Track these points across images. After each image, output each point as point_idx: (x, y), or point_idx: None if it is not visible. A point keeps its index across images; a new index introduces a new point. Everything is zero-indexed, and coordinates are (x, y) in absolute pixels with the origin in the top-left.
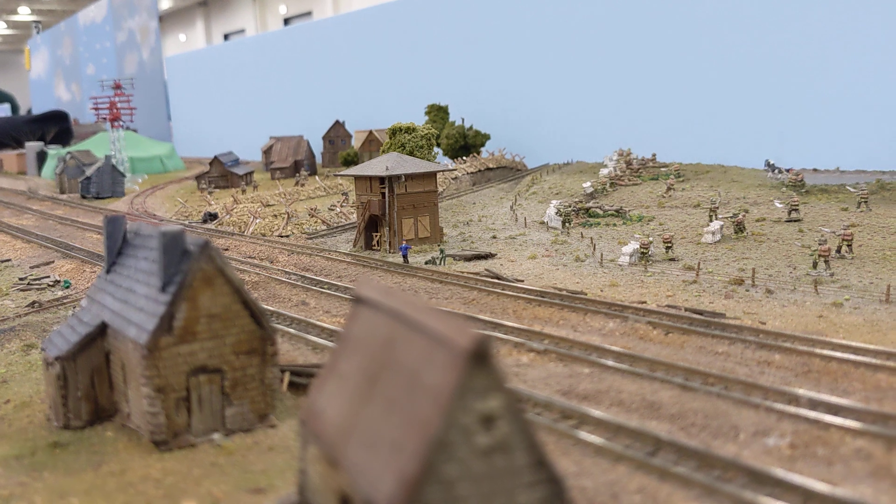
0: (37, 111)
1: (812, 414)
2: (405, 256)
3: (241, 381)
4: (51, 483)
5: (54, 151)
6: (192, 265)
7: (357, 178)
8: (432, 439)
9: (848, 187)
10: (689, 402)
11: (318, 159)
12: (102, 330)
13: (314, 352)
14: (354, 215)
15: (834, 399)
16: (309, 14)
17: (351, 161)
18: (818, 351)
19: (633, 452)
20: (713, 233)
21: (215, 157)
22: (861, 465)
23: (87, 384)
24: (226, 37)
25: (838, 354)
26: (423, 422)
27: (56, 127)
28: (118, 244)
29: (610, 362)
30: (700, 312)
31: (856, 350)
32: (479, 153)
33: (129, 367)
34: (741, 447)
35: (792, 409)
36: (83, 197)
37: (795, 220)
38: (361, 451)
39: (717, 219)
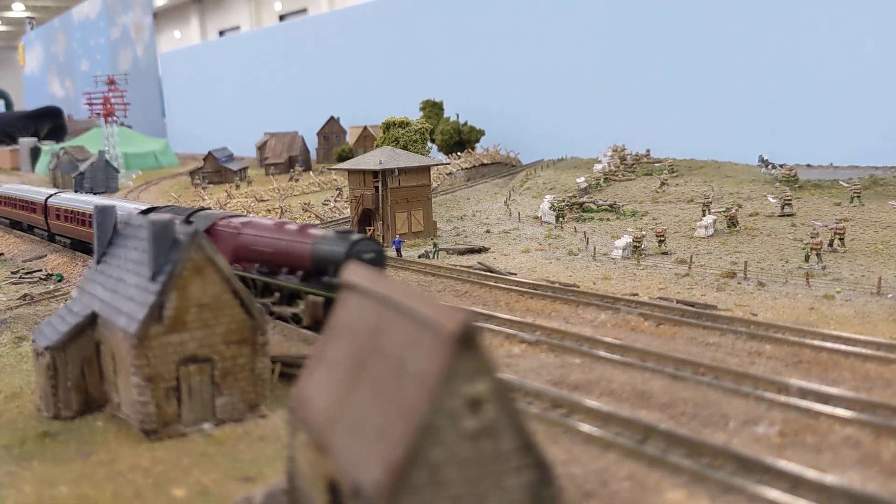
0: (31, 107)
1: (802, 403)
2: (398, 250)
3: (232, 370)
4: (40, 472)
5: (48, 147)
6: (182, 255)
7: (350, 172)
8: (419, 424)
9: (841, 182)
10: (679, 392)
11: (313, 155)
12: (93, 320)
13: (305, 343)
14: (348, 210)
15: (823, 388)
16: (304, 11)
17: (345, 157)
18: (808, 341)
19: (622, 440)
20: (706, 227)
21: (209, 153)
22: (850, 453)
23: (77, 374)
24: (221, 33)
25: (828, 345)
26: (410, 406)
27: (50, 123)
28: (108, 235)
29: (601, 353)
30: (692, 304)
31: (846, 340)
32: (473, 149)
33: (119, 356)
34: (731, 435)
35: (782, 398)
36: (76, 192)
37: (788, 215)
38: (349, 436)
39: (709, 213)
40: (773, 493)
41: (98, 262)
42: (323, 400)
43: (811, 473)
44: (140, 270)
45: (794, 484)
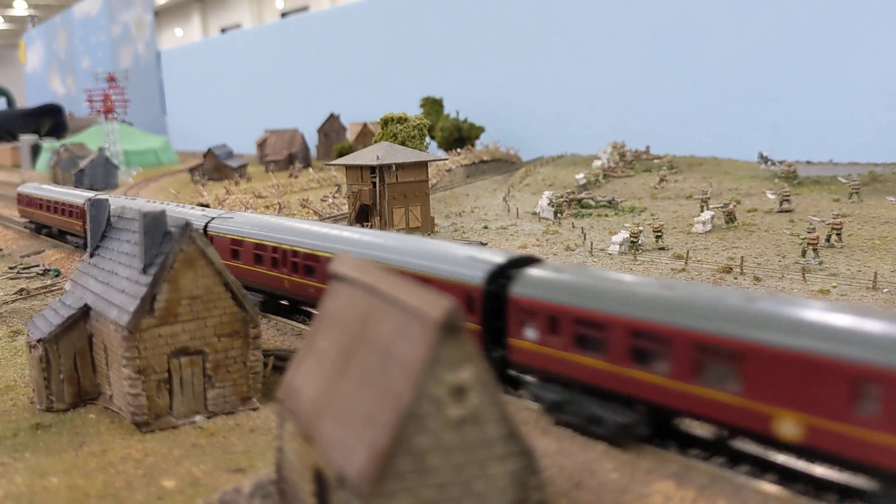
0: (32, 104)
1: None
2: None
3: (224, 363)
4: (32, 463)
5: (48, 144)
6: (174, 246)
7: (348, 167)
8: (404, 411)
9: (840, 178)
10: None
11: (313, 152)
12: (85, 312)
13: (300, 338)
14: (346, 206)
15: None
16: (305, 8)
17: (345, 153)
18: None
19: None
20: (704, 222)
21: (209, 150)
22: None
23: (70, 366)
24: (222, 31)
25: None
26: (395, 394)
27: (51, 120)
28: (102, 227)
29: None
30: None
31: None
32: (473, 146)
33: (111, 348)
34: None
35: None
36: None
37: (787, 211)
38: (335, 425)
39: (708, 209)
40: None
41: (91, 254)
42: (311, 389)
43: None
44: (132, 263)
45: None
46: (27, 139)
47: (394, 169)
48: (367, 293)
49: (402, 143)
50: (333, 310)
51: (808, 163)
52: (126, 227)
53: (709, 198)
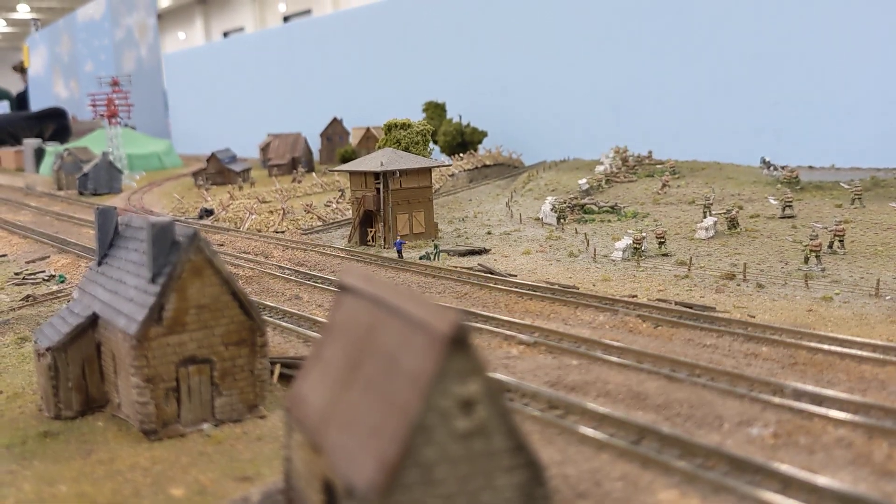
0: (35, 108)
1: (796, 404)
2: (399, 252)
3: (231, 371)
4: (40, 471)
5: (52, 148)
6: (181, 256)
7: (352, 173)
8: (412, 423)
9: (842, 184)
10: (674, 393)
11: (316, 156)
12: (93, 321)
13: (306, 345)
14: (350, 211)
15: (818, 389)
16: (308, 12)
17: (348, 158)
18: (805, 343)
19: (616, 441)
20: (706, 228)
21: (212, 154)
22: (842, 454)
23: (78, 375)
24: (225, 34)
25: (825, 346)
26: (403, 406)
27: (54, 124)
28: (110, 236)
29: (598, 354)
30: (690, 306)
31: (842, 342)
32: (476, 150)
33: (119, 357)
34: (725, 436)
35: (777, 399)
36: (80, 193)
37: (789, 217)
38: (343, 436)
39: (710, 215)
40: (764, 493)
41: (99, 263)
42: (318, 399)
43: (803, 474)
44: (140, 272)
45: (785, 484)
46: (31, 143)
47: (397, 175)
48: (374, 304)
49: (406, 149)
50: (340, 320)
51: (811, 168)
52: (134, 236)
53: (711, 203)
